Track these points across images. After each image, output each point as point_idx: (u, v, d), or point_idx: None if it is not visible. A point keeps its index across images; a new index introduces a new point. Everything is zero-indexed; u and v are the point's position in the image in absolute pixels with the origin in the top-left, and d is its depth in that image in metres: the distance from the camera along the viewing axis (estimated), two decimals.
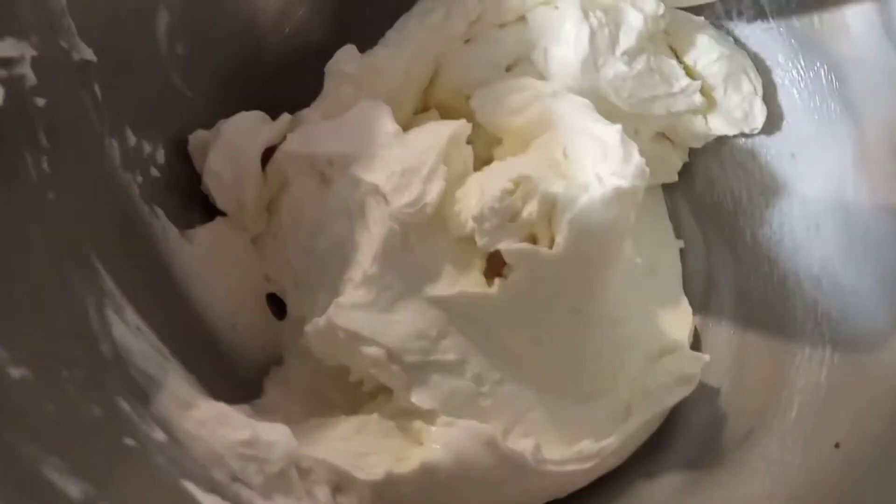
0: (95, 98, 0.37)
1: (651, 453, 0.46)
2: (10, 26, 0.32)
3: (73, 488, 0.27)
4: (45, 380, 0.28)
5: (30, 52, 0.33)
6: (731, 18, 0.51)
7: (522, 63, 0.50)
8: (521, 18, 0.50)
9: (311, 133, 0.45)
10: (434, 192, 0.41)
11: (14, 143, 0.32)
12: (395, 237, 0.41)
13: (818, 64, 0.47)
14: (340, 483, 0.38)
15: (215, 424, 0.34)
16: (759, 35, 0.50)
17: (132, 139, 0.40)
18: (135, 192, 0.40)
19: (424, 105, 0.52)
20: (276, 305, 0.47)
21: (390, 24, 0.49)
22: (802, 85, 0.48)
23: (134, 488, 0.31)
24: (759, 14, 0.50)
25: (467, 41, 0.50)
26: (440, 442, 0.39)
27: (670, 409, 0.45)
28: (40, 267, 0.31)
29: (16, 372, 0.26)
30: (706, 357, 0.45)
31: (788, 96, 0.49)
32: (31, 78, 0.33)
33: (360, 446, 0.39)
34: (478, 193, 0.42)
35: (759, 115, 0.49)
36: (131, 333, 0.34)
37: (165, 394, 0.33)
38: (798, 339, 0.45)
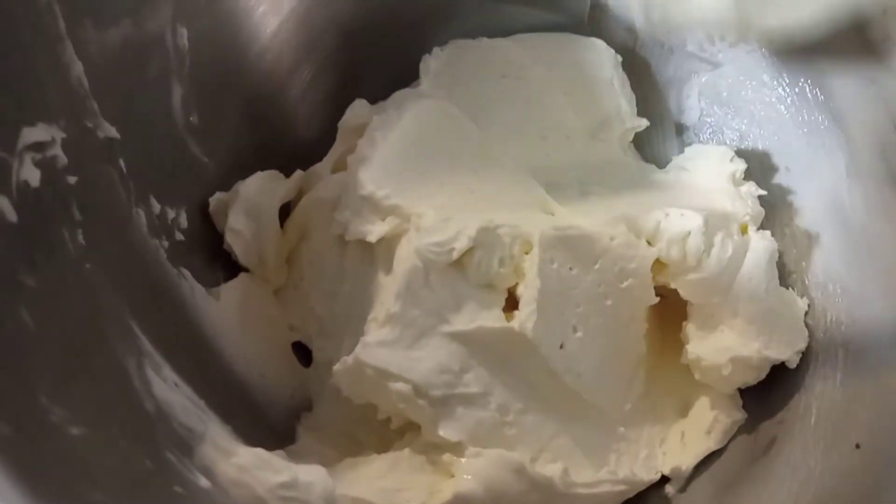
0: (121, 171, 0.40)
1: None
2: (41, 112, 0.34)
3: None
4: (100, 436, 0.29)
5: (60, 135, 0.35)
6: (713, 44, 0.52)
7: None
8: None
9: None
10: (464, 239, 0.42)
11: (52, 220, 0.34)
12: (418, 274, 0.42)
13: (802, 80, 0.48)
14: None
15: (255, 469, 0.35)
16: (743, 58, 0.51)
17: (157, 207, 0.43)
18: (162, 257, 0.42)
19: None
20: (301, 353, 0.49)
21: (390, 80, 0.51)
22: (789, 101, 0.49)
23: None
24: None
25: None
26: (470, 472, 0.40)
27: None
28: (84, 333, 0.33)
29: (75, 430, 0.28)
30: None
31: (777, 113, 0.50)
32: (62, 158, 0.35)
33: (395, 483, 0.40)
34: None
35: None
36: (170, 390, 0.36)
37: (207, 444, 0.35)
38: (811, 346, 0.46)
